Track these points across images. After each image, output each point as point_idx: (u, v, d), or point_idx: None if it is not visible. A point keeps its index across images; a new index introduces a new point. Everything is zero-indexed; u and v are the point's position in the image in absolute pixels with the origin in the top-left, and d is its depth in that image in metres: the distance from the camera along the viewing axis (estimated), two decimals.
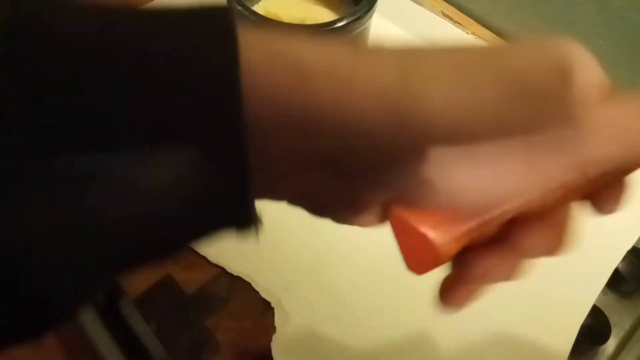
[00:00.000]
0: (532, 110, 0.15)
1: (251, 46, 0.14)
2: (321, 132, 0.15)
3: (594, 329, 0.45)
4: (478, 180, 0.16)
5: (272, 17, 0.46)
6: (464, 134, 0.15)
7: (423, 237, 0.16)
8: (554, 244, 0.19)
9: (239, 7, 0.46)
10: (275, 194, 0.18)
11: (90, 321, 0.45)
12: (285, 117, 0.14)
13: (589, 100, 0.16)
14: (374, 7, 0.48)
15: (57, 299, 0.14)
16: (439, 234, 0.16)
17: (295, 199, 0.18)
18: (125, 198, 0.14)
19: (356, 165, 0.16)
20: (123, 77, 0.13)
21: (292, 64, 0.14)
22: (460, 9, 0.73)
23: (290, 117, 0.14)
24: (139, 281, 0.45)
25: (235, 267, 0.46)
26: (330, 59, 0.15)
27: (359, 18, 0.46)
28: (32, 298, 0.14)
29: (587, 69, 0.17)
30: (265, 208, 0.18)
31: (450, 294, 0.21)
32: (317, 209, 0.19)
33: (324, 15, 0.54)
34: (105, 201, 0.14)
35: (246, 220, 0.17)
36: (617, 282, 0.48)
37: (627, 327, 0.47)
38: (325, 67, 0.14)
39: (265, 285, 0.45)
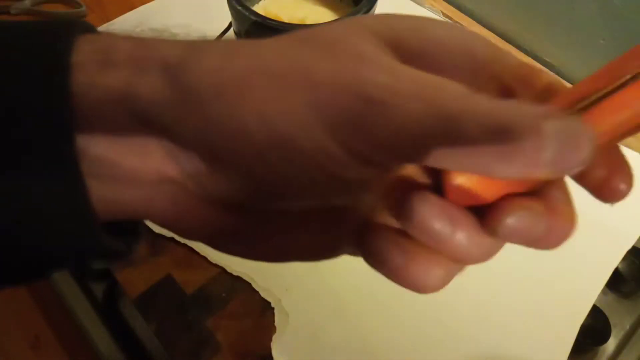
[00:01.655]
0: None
1: (79, 48, 0.15)
2: (119, 117, 0.15)
3: (594, 329, 0.45)
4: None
5: (272, 17, 0.46)
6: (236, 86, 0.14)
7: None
8: (544, 229, 0.15)
9: (239, 7, 0.46)
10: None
11: (90, 321, 0.45)
12: (98, 113, 0.15)
13: None
14: (374, 7, 0.48)
15: None
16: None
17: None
18: None
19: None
20: None
21: (101, 59, 0.15)
22: (460, 9, 0.73)
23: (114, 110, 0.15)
24: (139, 281, 0.45)
25: (235, 267, 0.46)
26: (135, 47, 0.15)
27: None
28: None
29: None
30: None
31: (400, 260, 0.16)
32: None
33: (324, 15, 0.54)
34: None
35: (100, 249, 0.16)
36: (617, 282, 0.48)
37: (627, 327, 0.47)
38: (127, 54, 0.15)
39: (265, 285, 0.45)
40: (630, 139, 0.15)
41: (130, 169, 0.15)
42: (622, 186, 0.15)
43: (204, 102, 0.14)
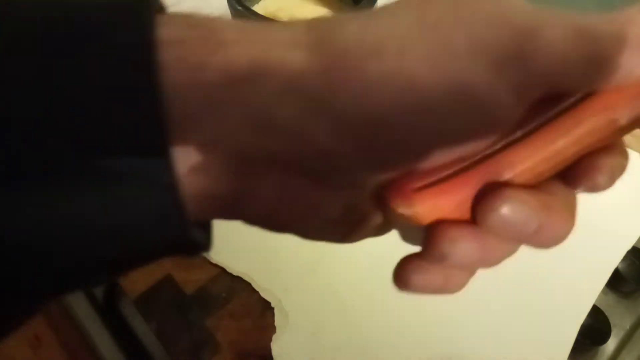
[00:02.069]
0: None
1: (166, 22, 0.13)
2: (248, 98, 0.14)
3: (594, 329, 0.45)
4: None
5: (272, 17, 0.46)
6: (386, 47, 0.14)
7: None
8: (542, 224, 0.15)
9: (239, 7, 0.46)
10: (238, 211, 0.17)
11: (90, 321, 0.45)
12: (208, 95, 0.13)
13: None
14: (374, 7, 0.48)
15: None
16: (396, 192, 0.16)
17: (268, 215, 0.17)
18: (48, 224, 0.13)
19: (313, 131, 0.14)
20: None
21: (204, 35, 0.14)
22: None
23: (216, 93, 0.13)
24: (139, 281, 0.45)
25: (235, 267, 0.46)
26: (243, 28, 0.14)
27: None
28: None
29: None
30: None
31: (427, 279, 0.17)
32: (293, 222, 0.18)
33: (324, 15, 0.54)
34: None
35: (188, 242, 0.15)
36: (617, 282, 0.48)
37: (627, 327, 0.47)
38: (238, 34, 0.14)
39: (265, 285, 0.45)
40: (630, 139, 0.16)
41: (238, 158, 0.14)
42: (601, 178, 0.16)
43: (361, 63, 0.13)
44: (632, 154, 0.54)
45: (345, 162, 0.15)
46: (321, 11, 0.54)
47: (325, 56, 0.14)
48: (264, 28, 0.15)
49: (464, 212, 0.16)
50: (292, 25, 0.15)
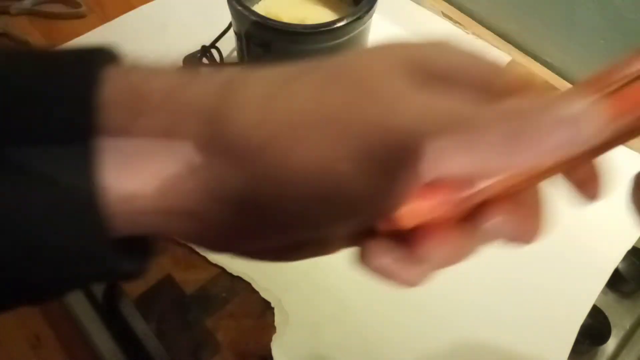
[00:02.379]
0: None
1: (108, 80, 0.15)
2: (154, 171, 0.15)
3: (594, 329, 0.45)
4: None
5: (272, 17, 0.46)
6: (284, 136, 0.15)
7: None
8: (522, 229, 0.17)
9: (239, 7, 0.46)
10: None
11: (90, 321, 0.45)
12: (127, 157, 0.15)
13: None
14: (374, 7, 0.48)
15: None
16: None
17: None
18: None
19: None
20: None
21: (132, 100, 0.15)
22: (460, 9, 0.73)
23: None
24: (139, 281, 0.45)
25: (235, 267, 0.46)
26: (169, 90, 0.15)
27: (359, 18, 0.46)
28: None
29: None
30: None
31: (401, 273, 0.19)
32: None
33: (324, 15, 0.54)
34: None
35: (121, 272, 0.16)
36: (617, 282, 0.48)
37: (627, 327, 0.47)
38: (162, 97, 0.15)
39: (265, 285, 0.45)
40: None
41: (156, 193, 0.15)
42: (596, 191, 0.18)
43: (247, 157, 0.15)
44: (632, 154, 0.54)
45: (256, 231, 0.16)
46: (321, 11, 0.54)
47: (219, 145, 0.15)
48: (186, 90, 0.16)
49: (442, 212, 0.17)
50: (209, 85, 0.16)
